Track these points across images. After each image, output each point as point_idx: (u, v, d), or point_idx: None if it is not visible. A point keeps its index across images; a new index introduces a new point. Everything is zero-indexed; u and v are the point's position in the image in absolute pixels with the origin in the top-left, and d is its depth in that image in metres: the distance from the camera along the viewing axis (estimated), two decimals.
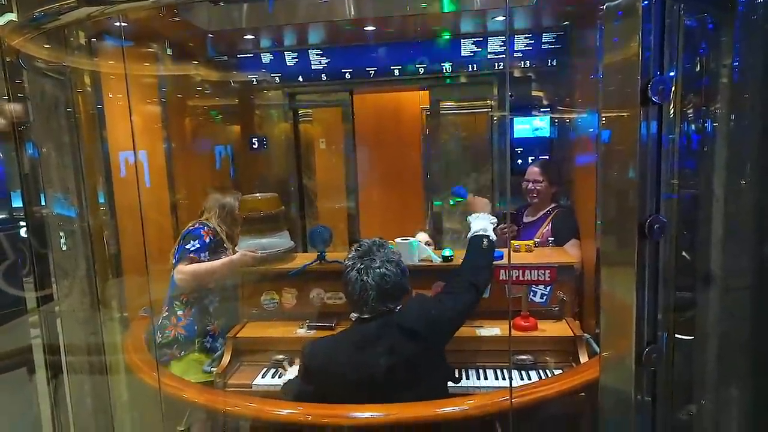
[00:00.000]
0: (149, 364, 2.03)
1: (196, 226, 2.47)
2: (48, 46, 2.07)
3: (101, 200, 2.53)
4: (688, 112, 1.38)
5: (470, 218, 2.10)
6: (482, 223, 2.03)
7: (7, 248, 2.67)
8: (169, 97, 3.09)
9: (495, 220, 2.08)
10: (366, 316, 1.66)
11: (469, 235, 2.03)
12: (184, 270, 2.35)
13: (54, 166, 2.29)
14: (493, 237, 2.00)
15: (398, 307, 1.72)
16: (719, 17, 1.24)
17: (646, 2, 1.01)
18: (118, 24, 2.03)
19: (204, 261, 2.37)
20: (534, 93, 3.25)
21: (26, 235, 2.10)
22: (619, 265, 1.10)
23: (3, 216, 2.62)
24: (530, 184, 2.80)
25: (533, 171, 2.82)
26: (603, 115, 1.18)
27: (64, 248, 2.29)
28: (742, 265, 1.27)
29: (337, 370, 1.61)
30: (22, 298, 2.09)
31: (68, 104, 2.27)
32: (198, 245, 2.38)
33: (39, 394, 2.11)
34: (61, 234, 2.27)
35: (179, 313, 2.42)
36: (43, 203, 2.16)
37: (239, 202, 2.57)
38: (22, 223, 2.11)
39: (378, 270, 1.65)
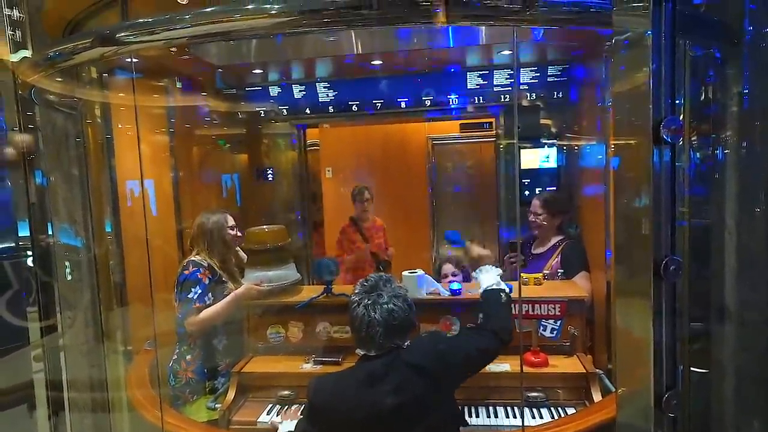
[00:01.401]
0: (152, 401, 1.99)
1: (191, 270, 2.34)
2: (60, 80, 2.11)
3: (108, 229, 2.55)
4: (696, 141, 1.38)
5: (477, 273, 2.05)
6: (492, 276, 1.98)
7: (11, 277, 2.67)
8: (177, 127, 3.12)
9: (501, 272, 2.03)
10: (373, 353, 1.63)
11: (482, 289, 1.96)
12: (194, 322, 2.28)
13: (61, 196, 2.30)
14: (507, 289, 1.94)
15: (406, 344, 1.69)
16: (726, 46, 1.25)
17: (654, 36, 1.01)
18: (129, 60, 2.06)
19: (209, 304, 2.32)
20: (541, 123, 3.27)
21: (31, 264, 2.09)
22: (635, 304, 1.08)
23: (9, 245, 2.62)
24: (531, 216, 2.82)
25: (534, 204, 2.84)
26: (613, 143, 1.17)
27: (69, 278, 2.29)
28: (757, 297, 1.25)
29: (343, 408, 1.57)
30: (24, 329, 2.07)
31: (78, 136, 2.31)
32: (199, 290, 2.30)
33: (39, 430, 2.07)
34: (67, 264, 2.27)
35: (188, 357, 2.35)
36: (49, 233, 2.16)
37: (228, 222, 2.46)
38: (29, 252, 2.11)
39: (386, 306, 1.62)
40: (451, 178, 5.38)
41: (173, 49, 2.27)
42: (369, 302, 1.62)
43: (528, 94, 3.18)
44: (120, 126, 2.60)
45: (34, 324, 2.06)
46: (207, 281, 2.34)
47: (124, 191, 2.64)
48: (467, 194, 4.90)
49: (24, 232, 2.08)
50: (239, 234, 2.53)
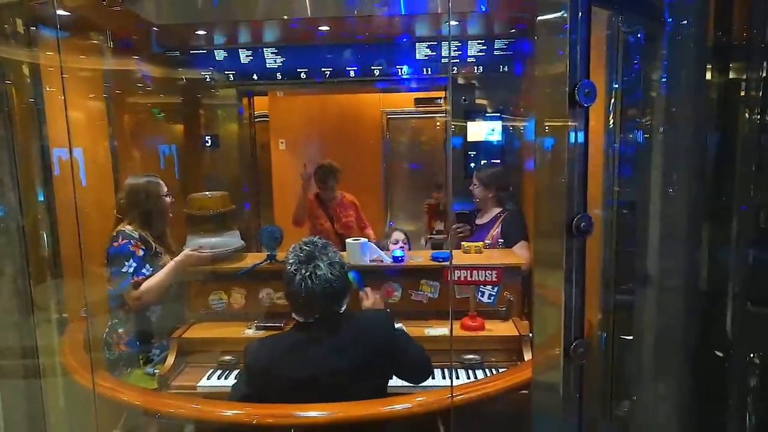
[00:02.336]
0: (87, 366, 1.96)
1: (121, 242, 2.25)
2: None
3: (40, 198, 2.45)
4: (627, 122, 1.47)
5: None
6: None
7: None
8: (113, 93, 3.00)
9: None
10: (310, 319, 1.66)
11: None
12: (134, 296, 2.23)
13: None
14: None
15: (343, 308, 1.73)
16: (652, 31, 1.32)
17: (572, 13, 1.06)
18: (59, 12, 1.96)
19: (148, 276, 2.26)
20: (486, 98, 3.34)
21: None
22: (550, 263, 1.15)
23: None
24: (470, 187, 2.96)
25: (474, 175, 2.99)
26: (536, 119, 1.23)
27: None
28: (675, 265, 1.36)
29: (279, 371, 1.61)
30: None
31: (1, 96, 2.19)
32: (134, 264, 2.23)
33: None
34: None
35: (120, 330, 2.30)
36: None
37: (161, 188, 2.39)
38: None
39: (323, 276, 1.63)
40: (406, 152, 5.43)
41: None
42: (306, 273, 1.62)
43: (475, 68, 3.23)
44: (50, 89, 2.47)
45: None
46: (141, 253, 2.27)
47: (59, 159, 2.53)
48: (421, 169, 4.95)
49: None
50: (171, 200, 2.45)
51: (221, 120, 3.67)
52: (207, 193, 2.63)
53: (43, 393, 2.09)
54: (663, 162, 1.36)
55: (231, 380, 2.15)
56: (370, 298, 2.09)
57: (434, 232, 3.58)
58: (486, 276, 2.25)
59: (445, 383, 2.12)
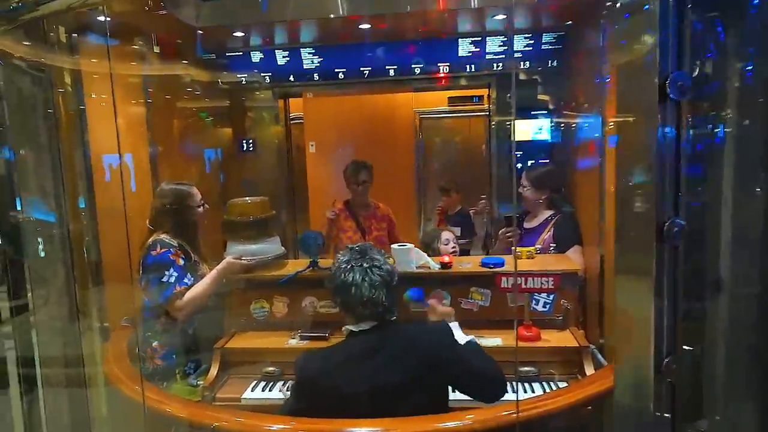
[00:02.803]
0: (131, 375, 1.96)
1: (160, 251, 2.20)
2: (27, 43, 2.02)
3: (81, 205, 2.48)
4: (698, 116, 1.37)
5: None
6: (460, 333, 1.82)
7: None
8: (155, 98, 3.03)
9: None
10: (364, 327, 1.61)
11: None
12: (179, 306, 2.18)
13: (31, 169, 2.23)
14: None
15: (393, 317, 1.68)
16: (730, 19, 1.22)
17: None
18: (101, 19, 1.98)
19: (189, 285, 2.22)
20: (536, 95, 3.24)
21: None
22: (634, 277, 1.07)
23: None
24: (520, 189, 2.85)
25: (522, 176, 2.87)
26: (615, 116, 1.15)
27: (42, 254, 2.23)
28: (751, 271, 1.25)
29: (332, 384, 1.56)
30: None
31: (47, 104, 2.22)
32: (175, 273, 2.18)
33: (12, 408, 2.04)
34: (39, 240, 2.22)
35: (154, 344, 2.25)
36: (18, 208, 2.09)
37: (194, 196, 2.35)
38: None
39: (385, 267, 1.60)
40: (439, 153, 5.37)
41: (148, 4, 2.18)
42: (366, 266, 1.59)
43: (522, 63, 3.14)
44: (93, 96, 2.51)
45: (3, 304, 2.01)
46: (182, 262, 2.23)
47: (101, 166, 2.55)
48: (456, 171, 4.86)
49: None
50: (207, 207, 2.41)
51: (257, 123, 3.68)
52: (247, 198, 2.61)
53: (88, 402, 2.11)
54: (737, 159, 1.26)
55: (276, 392, 2.13)
56: (438, 311, 2.00)
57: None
58: (542, 283, 2.15)
59: (506, 397, 2.03)
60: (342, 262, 1.65)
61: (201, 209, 2.38)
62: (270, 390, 2.15)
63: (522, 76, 3.11)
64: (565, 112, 3.10)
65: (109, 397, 2.12)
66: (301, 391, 1.62)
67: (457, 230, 3.06)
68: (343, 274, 1.62)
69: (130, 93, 2.93)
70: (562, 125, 3.14)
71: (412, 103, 5.42)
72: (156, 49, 2.86)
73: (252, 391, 2.15)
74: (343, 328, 1.69)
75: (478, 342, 1.80)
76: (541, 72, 3.14)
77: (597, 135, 2.43)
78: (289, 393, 1.92)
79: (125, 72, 2.78)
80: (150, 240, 2.25)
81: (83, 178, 2.51)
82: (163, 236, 2.25)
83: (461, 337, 1.77)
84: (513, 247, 2.56)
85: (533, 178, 2.81)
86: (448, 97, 5.00)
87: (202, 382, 2.17)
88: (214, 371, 2.21)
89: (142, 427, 1.89)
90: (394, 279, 1.65)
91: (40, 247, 2.23)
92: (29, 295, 2.06)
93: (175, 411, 1.84)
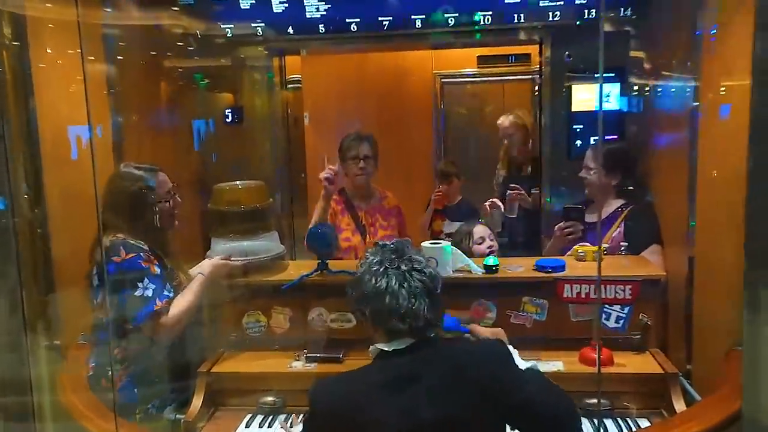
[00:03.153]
0: (96, 409, 1.93)
1: (127, 256, 2.10)
2: None
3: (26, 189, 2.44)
4: None
5: None
6: (518, 358, 1.77)
7: None
8: (121, 54, 2.98)
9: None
10: (400, 346, 1.56)
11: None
12: (167, 324, 2.12)
13: None
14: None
15: (433, 334, 1.64)
16: None
17: None
18: None
19: (171, 299, 2.16)
20: (604, 53, 3.17)
21: None
22: None
23: None
24: (583, 172, 2.83)
25: (587, 156, 2.84)
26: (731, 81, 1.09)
27: None
28: None
29: (363, 420, 1.51)
30: None
31: None
32: (152, 285, 2.10)
33: None
34: None
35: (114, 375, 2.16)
36: None
37: (162, 180, 2.25)
38: None
39: (426, 271, 1.56)
40: (465, 127, 5.30)
41: None
42: (404, 268, 1.55)
43: (584, 12, 3.07)
44: (49, 51, 2.48)
45: None
46: (158, 271, 2.16)
47: (65, 139, 2.52)
48: (486, 149, 4.78)
49: None
50: (178, 202, 2.31)
51: (245, 88, 3.63)
52: (237, 183, 2.58)
53: None
54: None
55: (276, 428, 2.11)
56: (482, 336, 1.95)
57: (442, 236, 3.40)
58: (617, 292, 2.12)
59: None
60: (372, 264, 1.61)
61: (169, 204, 2.27)
62: (270, 425, 2.13)
63: (608, 27, 3.02)
64: (640, 76, 3.02)
65: None
66: (321, 429, 1.57)
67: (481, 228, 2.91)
68: (373, 279, 1.57)
69: (89, 47, 2.88)
70: (637, 90, 3.07)
71: (432, 64, 5.36)
72: None
73: (247, 427, 2.13)
74: (371, 348, 1.65)
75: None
76: (613, 22, 3.06)
77: (689, 105, 2.36)
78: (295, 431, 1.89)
79: (87, 20, 2.72)
80: (108, 241, 2.13)
81: (29, 155, 2.47)
82: (123, 236, 2.15)
83: (520, 362, 1.73)
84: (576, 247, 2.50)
85: (601, 158, 2.76)
86: (478, 57, 4.94)
87: (183, 417, 2.13)
88: (197, 402, 2.18)
89: None
90: (438, 285, 1.62)
91: None
92: None
93: None
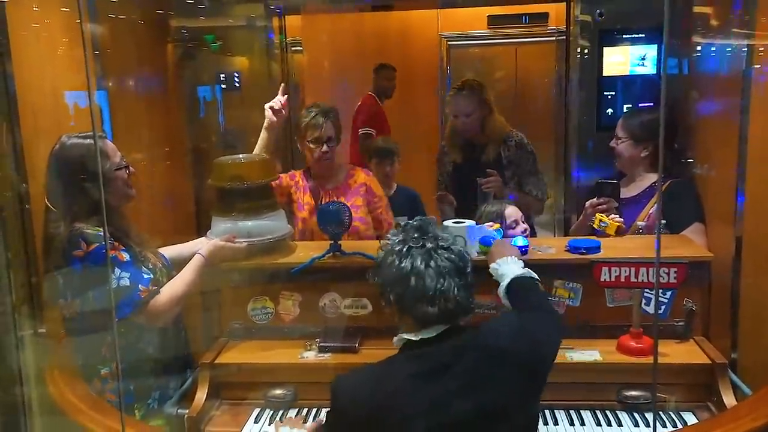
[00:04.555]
0: (93, 404, 1.92)
1: (90, 247, 2.04)
2: None
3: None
4: None
5: (497, 266, 1.98)
6: (517, 267, 1.93)
7: None
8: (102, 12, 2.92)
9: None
10: (430, 335, 1.55)
11: (507, 282, 1.89)
12: (159, 308, 2.11)
13: None
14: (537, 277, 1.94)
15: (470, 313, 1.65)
16: None
17: None
18: None
19: (150, 286, 2.12)
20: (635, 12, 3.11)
21: None
22: None
23: None
24: (613, 141, 2.83)
25: (618, 125, 2.83)
26: None
27: None
28: None
29: (391, 416, 1.50)
30: None
31: None
32: (127, 273, 2.07)
33: None
34: None
35: (103, 372, 2.15)
36: None
37: (110, 154, 2.18)
38: None
39: (449, 257, 1.56)
40: None
41: None
42: (430, 246, 1.55)
43: None
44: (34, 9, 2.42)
45: None
46: (127, 258, 2.11)
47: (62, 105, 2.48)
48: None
49: None
50: (131, 171, 2.24)
51: (243, 51, 3.58)
52: (240, 156, 2.56)
53: None
54: None
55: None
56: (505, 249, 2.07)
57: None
58: (661, 276, 2.08)
59: None
60: (395, 244, 1.61)
61: (122, 173, 2.19)
62: (281, 420, 2.11)
63: None
64: (678, 38, 2.96)
65: (60, 428, 2.08)
66: (344, 426, 1.56)
67: (512, 210, 2.87)
68: (396, 260, 1.57)
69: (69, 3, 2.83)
70: (676, 51, 3.01)
71: (438, 24, 5.29)
72: None
73: (255, 422, 2.13)
74: (395, 339, 1.65)
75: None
76: None
77: (741, 67, 2.31)
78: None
79: None
80: (64, 233, 2.08)
81: (6, 123, 2.43)
82: (80, 225, 2.08)
83: (514, 270, 1.89)
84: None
85: (634, 127, 2.74)
86: (489, 16, 4.88)
87: (185, 412, 2.13)
88: (201, 396, 2.17)
89: None
90: (468, 264, 1.62)
91: None
92: None
93: None
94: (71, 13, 2.53)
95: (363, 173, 2.98)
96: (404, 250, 1.58)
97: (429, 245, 1.57)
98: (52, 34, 2.47)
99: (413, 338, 1.57)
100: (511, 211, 2.73)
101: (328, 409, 1.64)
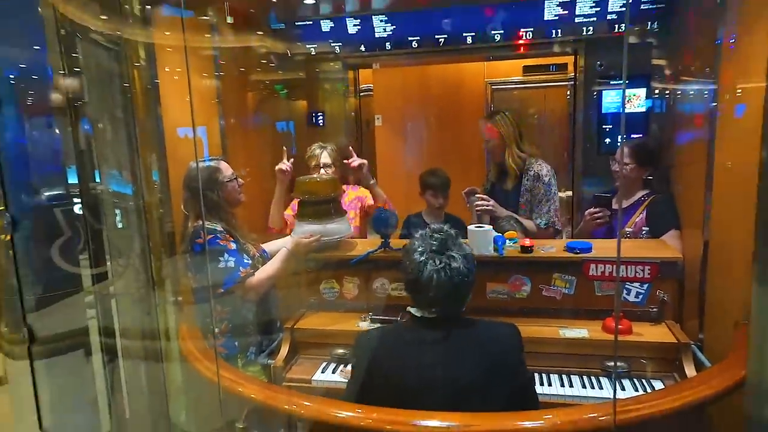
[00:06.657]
0: (206, 354, 2.00)
1: (207, 238, 2.15)
2: (103, 17, 2.06)
3: (155, 178, 2.54)
4: None
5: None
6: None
7: (63, 224, 2.74)
8: (227, 70, 3.04)
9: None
10: (429, 317, 1.55)
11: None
12: (253, 285, 2.18)
13: (109, 142, 2.30)
14: None
15: (462, 309, 1.62)
16: None
17: None
18: None
19: (249, 269, 2.20)
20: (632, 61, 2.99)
21: (81, 212, 2.10)
22: None
23: (59, 192, 2.67)
24: (616, 165, 2.68)
25: (623, 152, 2.67)
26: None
27: (120, 226, 2.30)
28: None
29: (392, 370, 1.53)
30: (77, 276, 2.09)
31: (124, 78, 2.27)
32: (232, 258, 2.15)
33: (96, 375, 2.14)
34: (117, 212, 2.29)
35: (216, 330, 2.23)
36: (97, 180, 2.15)
37: (223, 172, 2.27)
38: (77, 200, 2.10)
39: (458, 268, 1.52)
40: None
41: None
42: (440, 265, 1.51)
43: (614, 26, 2.89)
44: (167, 69, 2.55)
45: (85, 271, 2.08)
46: (234, 246, 2.19)
47: (175, 138, 2.59)
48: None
49: (73, 179, 2.08)
50: (240, 183, 2.32)
51: (327, 96, 3.64)
52: (315, 176, 2.60)
53: (164, 376, 2.19)
54: None
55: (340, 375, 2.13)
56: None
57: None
58: (637, 272, 2.01)
59: (587, 393, 1.93)
60: (416, 251, 1.57)
61: (233, 184, 2.28)
62: (341, 371, 2.15)
63: (635, 39, 2.83)
64: (664, 80, 2.83)
65: (185, 372, 2.18)
66: (359, 371, 1.59)
67: None
68: (411, 266, 1.55)
69: (202, 65, 2.97)
70: (660, 94, 2.88)
71: (484, 73, 5.20)
72: (229, 20, 2.86)
73: (322, 372, 2.15)
74: (406, 310, 1.64)
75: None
76: (638, 35, 2.88)
77: (708, 105, 2.18)
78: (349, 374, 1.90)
79: (199, 44, 2.80)
80: (190, 228, 2.20)
81: (157, 151, 2.56)
82: (201, 223, 2.19)
83: None
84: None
85: (637, 152, 2.60)
86: (524, 66, 4.76)
87: (273, 362, 2.20)
88: (284, 351, 2.23)
89: (213, 403, 1.92)
90: (470, 279, 1.56)
91: (118, 218, 2.31)
92: (108, 264, 2.15)
93: (250, 393, 1.85)
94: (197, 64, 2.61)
95: (352, 191, 2.96)
96: (420, 260, 1.54)
97: (440, 264, 1.52)
98: (183, 86, 2.57)
99: (416, 314, 1.58)
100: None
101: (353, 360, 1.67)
